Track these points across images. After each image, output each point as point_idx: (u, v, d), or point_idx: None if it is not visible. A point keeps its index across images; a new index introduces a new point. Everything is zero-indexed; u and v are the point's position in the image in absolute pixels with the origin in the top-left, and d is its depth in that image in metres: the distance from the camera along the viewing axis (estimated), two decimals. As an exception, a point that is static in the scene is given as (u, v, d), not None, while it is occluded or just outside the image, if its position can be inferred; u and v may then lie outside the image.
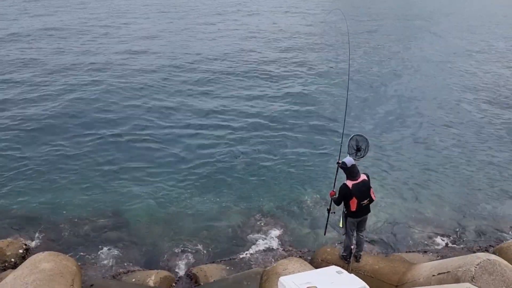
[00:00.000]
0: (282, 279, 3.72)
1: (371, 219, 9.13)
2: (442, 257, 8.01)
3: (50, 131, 12.73)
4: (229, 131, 13.48)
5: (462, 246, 8.92)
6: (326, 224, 7.53)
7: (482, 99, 17.14)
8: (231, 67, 19.81)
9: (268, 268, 6.79)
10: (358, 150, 7.07)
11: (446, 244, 8.98)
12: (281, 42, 24.87)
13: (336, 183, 7.06)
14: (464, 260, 5.93)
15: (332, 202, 7.03)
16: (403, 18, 33.32)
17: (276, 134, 13.46)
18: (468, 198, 10.60)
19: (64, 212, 9.35)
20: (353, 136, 7.21)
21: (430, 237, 9.17)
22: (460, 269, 5.74)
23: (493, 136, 13.98)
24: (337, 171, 6.98)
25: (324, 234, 7.79)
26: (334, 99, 16.41)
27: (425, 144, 13.26)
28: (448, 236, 9.22)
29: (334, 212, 7.17)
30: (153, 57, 20.47)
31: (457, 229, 9.45)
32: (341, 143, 7.33)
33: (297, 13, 34.68)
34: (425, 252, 8.60)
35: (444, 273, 5.97)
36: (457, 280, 5.61)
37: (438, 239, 9.10)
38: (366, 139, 7.20)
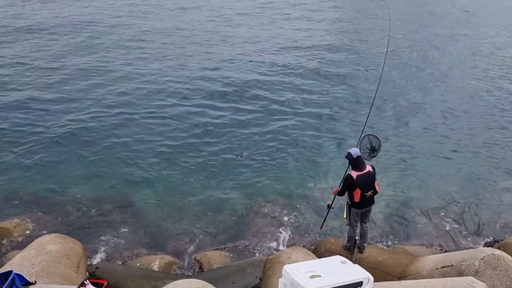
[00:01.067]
0: (286, 267, 3.73)
1: (376, 211, 9.12)
2: (446, 251, 8.01)
3: (57, 114, 12.76)
4: (240, 117, 13.42)
5: (467, 240, 8.90)
6: (324, 219, 7.57)
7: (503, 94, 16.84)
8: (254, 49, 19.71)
9: (272, 256, 6.83)
10: (372, 150, 7.08)
11: (451, 238, 8.96)
12: (315, 31, 24.50)
13: (343, 181, 7.08)
14: (468, 254, 5.92)
15: (335, 199, 7.14)
16: (439, 11, 32.43)
17: (289, 122, 13.37)
18: (475, 192, 10.52)
19: (71, 195, 9.42)
20: (365, 135, 7.20)
21: (435, 230, 9.14)
22: (464, 263, 5.74)
23: (507, 131, 13.83)
24: (347, 168, 7.00)
25: (321, 228, 7.86)
26: (362, 89, 16.20)
27: (434, 137, 13.13)
28: (453, 230, 9.18)
29: (333, 207, 7.22)
30: (176, 43, 20.37)
31: (463, 223, 9.40)
32: (361, 135, 7.31)
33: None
34: (429, 245, 8.60)
35: (448, 266, 5.97)
36: (461, 274, 5.61)
37: (443, 233, 9.07)
38: (379, 139, 7.21)
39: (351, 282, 3.61)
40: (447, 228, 9.22)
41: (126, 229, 8.61)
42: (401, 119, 14.10)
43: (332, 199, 7.24)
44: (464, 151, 12.40)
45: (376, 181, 6.73)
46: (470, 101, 16.09)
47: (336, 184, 7.15)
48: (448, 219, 9.49)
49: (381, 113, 14.28)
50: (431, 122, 14.07)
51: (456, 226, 9.33)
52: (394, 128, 13.44)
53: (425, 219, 9.47)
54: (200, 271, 7.41)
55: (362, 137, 7.17)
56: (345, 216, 7.08)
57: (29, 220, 8.50)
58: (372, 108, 8.30)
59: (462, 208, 9.92)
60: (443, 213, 9.67)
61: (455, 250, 7.97)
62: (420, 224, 9.34)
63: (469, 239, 8.94)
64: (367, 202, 6.78)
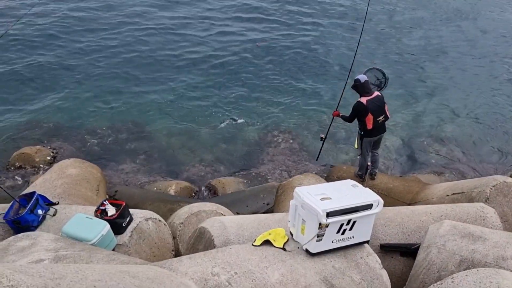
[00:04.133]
0: (297, 189, 3.78)
1: (388, 139, 9.12)
2: (459, 180, 8.05)
3: (74, 41, 12.55)
4: (252, 47, 13.05)
5: (480, 169, 8.89)
6: (320, 150, 7.53)
7: None
8: None
9: (284, 182, 6.98)
10: (379, 85, 7.05)
11: (464, 166, 8.96)
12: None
13: (340, 102, 7.05)
14: (480, 182, 5.91)
15: (329, 130, 7.22)
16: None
17: (297, 55, 12.95)
18: (492, 121, 10.33)
19: (89, 124, 9.57)
20: (370, 68, 7.14)
21: (448, 159, 9.14)
22: (475, 190, 5.74)
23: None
24: (342, 93, 7.00)
25: (316, 159, 7.93)
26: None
27: (451, 65, 12.65)
28: (467, 159, 9.16)
29: (326, 138, 7.19)
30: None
31: (477, 152, 9.35)
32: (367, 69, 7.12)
33: None
34: (441, 173, 8.64)
35: (459, 193, 5.99)
36: (471, 201, 5.62)
37: (456, 162, 9.07)
38: (383, 72, 7.14)
39: (361, 204, 3.66)
40: (461, 157, 9.19)
41: (142, 157, 8.83)
42: (413, 50, 13.50)
43: (326, 130, 7.27)
44: (482, 80, 11.97)
45: (386, 106, 6.64)
46: (482, 32, 15.22)
47: (347, 110, 7.05)
48: (462, 148, 9.43)
49: (388, 44, 13.66)
50: (448, 54, 13.45)
51: (470, 155, 9.28)
52: (407, 59, 12.91)
53: (438, 148, 9.43)
54: (214, 196, 7.67)
55: (366, 71, 7.06)
56: (356, 146, 7.08)
57: (49, 147, 8.74)
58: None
59: (477, 136, 9.81)
60: (456, 142, 9.59)
61: (467, 179, 8.01)
62: (433, 153, 9.32)
63: (482, 168, 8.93)
64: (379, 129, 6.74)
